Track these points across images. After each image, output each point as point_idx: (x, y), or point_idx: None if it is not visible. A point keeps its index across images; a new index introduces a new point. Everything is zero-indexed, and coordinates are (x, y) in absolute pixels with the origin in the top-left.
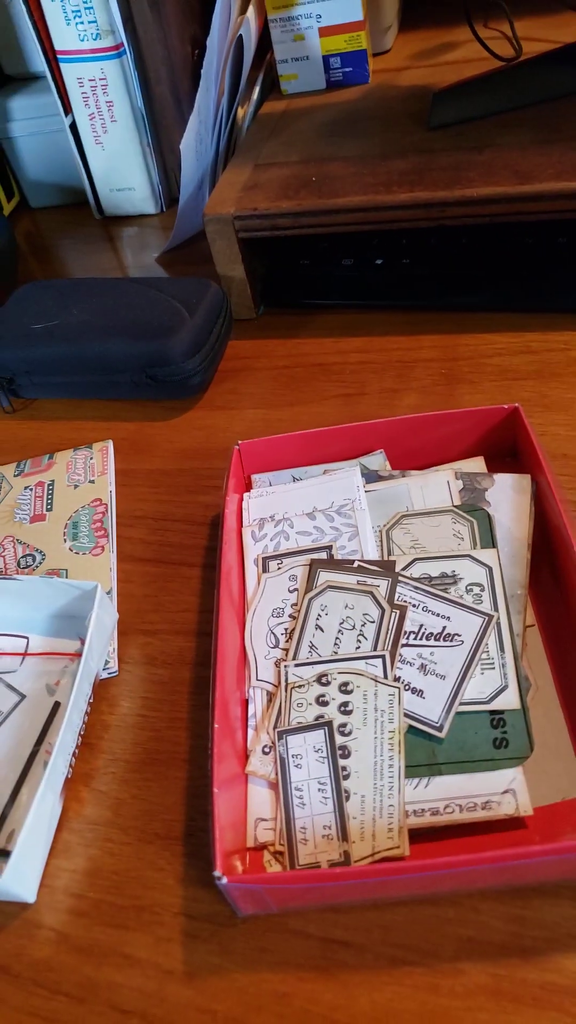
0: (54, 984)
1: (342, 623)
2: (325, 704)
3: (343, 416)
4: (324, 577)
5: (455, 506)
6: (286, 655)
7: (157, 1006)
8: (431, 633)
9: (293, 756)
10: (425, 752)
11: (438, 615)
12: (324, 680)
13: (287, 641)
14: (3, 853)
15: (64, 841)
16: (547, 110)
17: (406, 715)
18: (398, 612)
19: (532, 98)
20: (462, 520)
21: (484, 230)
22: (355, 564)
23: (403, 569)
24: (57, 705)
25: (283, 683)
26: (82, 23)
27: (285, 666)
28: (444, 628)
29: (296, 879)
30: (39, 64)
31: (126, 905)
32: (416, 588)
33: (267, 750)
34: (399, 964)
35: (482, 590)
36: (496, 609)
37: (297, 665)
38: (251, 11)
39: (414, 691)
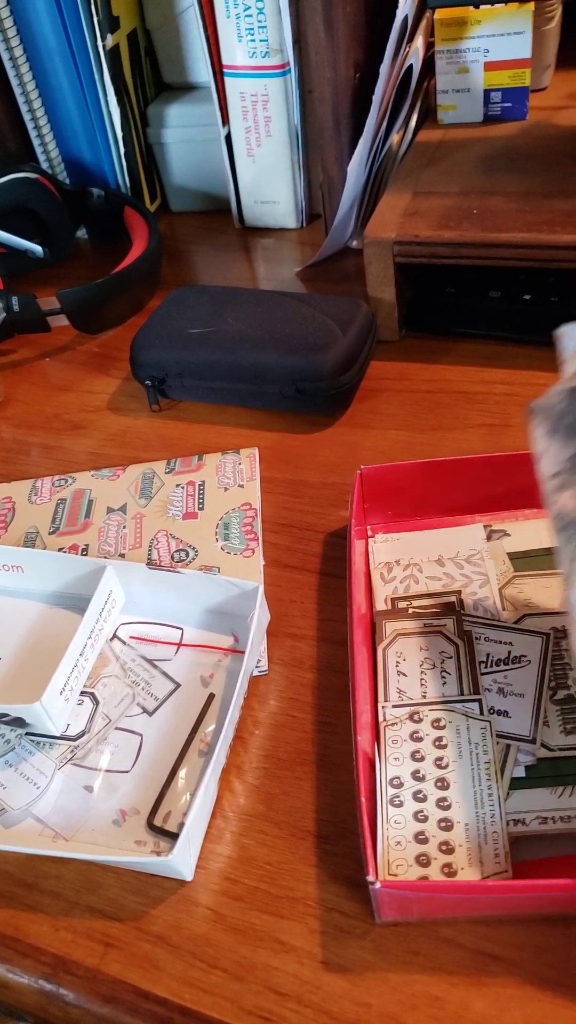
0: (212, 959)
1: (422, 664)
2: (419, 740)
3: (487, 445)
4: (390, 628)
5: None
6: (384, 696)
7: (313, 993)
8: (498, 659)
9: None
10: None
11: (499, 642)
12: (416, 717)
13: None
14: (161, 832)
15: (218, 827)
16: None
17: (499, 736)
18: (465, 639)
19: None
20: None
21: None
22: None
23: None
24: (211, 697)
25: (380, 722)
26: (253, 41)
27: (382, 707)
28: (509, 652)
29: (449, 889)
30: (198, 75)
31: (280, 895)
32: (474, 621)
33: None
34: (552, 984)
35: None
36: None
37: (394, 706)
38: (419, 40)
39: (499, 713)
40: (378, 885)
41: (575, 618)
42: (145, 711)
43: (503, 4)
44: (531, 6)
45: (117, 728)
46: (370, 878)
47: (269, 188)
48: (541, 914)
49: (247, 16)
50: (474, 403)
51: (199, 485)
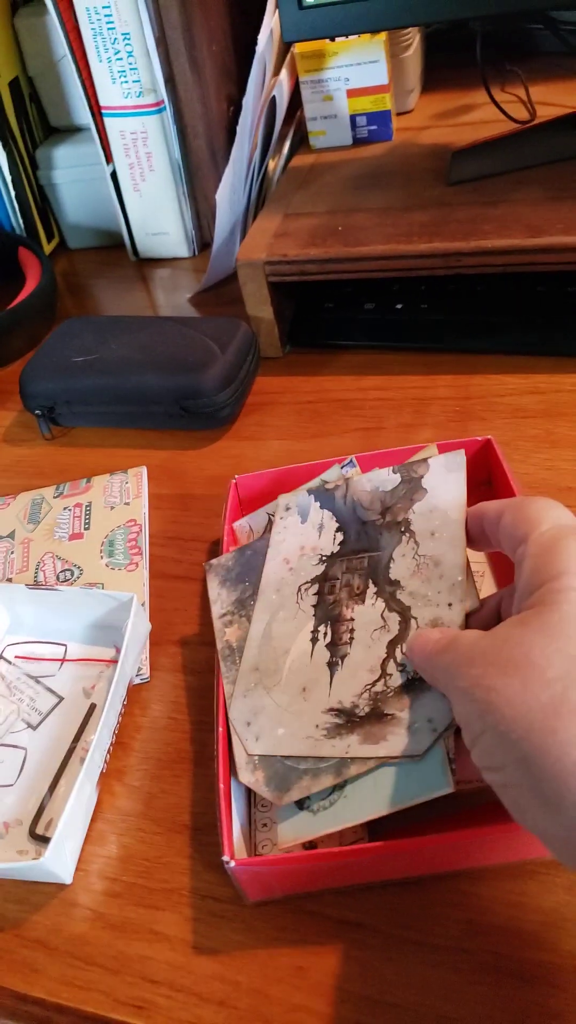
0: (89, 957)
1: None
2: None
3: (361, 447)
4: None
5: None
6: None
7: (184, 977)
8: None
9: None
10: None
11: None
12: None
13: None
14: (42, 839)
15: (99, 830)
16: (557, 170)
17: None
18: None
19: (543, 158)
20: None
21: (498, 278)
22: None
23: None
24: (93, 707)
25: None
26: (127, 82)
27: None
28: None
29: (300, 859)
30: (83, 117)
31: (156, 888)
32: None
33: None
34: (407, 944)
35: None
36: None
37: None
38: (284, 73)
39: None
40: (232, 864)
41: (237, 731)
42: (29, 726)
43: (356, 36)
44: (383, 36)
45: (2, 745)
46: (225, 858)
47: (158, 220)
48: (397, 879)
49: (118, 59)
50: (351, 409)
51: (86, 506)
